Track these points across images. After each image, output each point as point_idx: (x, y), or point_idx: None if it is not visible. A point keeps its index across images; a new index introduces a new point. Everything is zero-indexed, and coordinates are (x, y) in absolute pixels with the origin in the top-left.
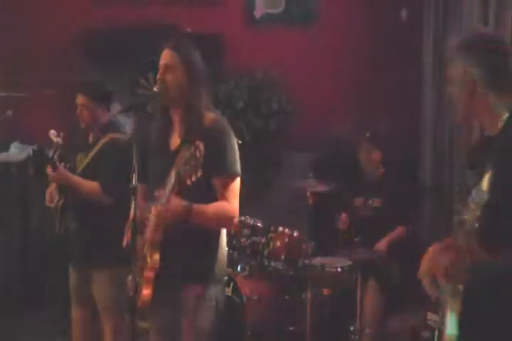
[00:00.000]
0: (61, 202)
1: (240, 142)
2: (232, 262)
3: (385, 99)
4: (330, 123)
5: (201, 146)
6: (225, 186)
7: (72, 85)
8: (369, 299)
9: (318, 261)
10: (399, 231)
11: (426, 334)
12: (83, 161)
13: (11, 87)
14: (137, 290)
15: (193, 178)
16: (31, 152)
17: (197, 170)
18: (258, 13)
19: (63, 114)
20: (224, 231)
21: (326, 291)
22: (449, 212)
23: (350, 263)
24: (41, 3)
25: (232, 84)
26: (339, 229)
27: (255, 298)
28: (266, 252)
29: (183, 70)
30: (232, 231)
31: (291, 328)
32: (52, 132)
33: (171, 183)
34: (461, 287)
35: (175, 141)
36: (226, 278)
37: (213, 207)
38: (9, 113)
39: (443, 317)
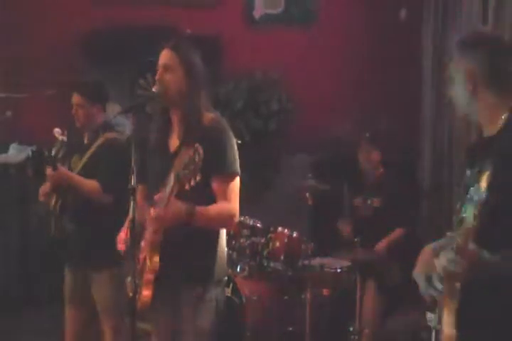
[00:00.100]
0: (59, 202)
1: (239, 142)
2: (231, 262)
3: (384, 99)
4: (329, 123)
5: (200, 150)
6: (225, 186)
7: (68, 85)
8: (368, 299)
9: (317, 261)
10: (398, 231)
11: (425, 334)
12: (79, 163)
13: (10, 88)
14: (137, 292)
15: (192, 182)
16: (30, 153)
17: (196, 174)
18: (257, 13)
19: (62, 115)
20: (224, 232)
21: (325, 292)
22: (449, 211)
23: (349, 263)
24: (41, 4)
25: (232, 85)
26: (343, 237)
27: (255, 298)
28: (265, 253)
29: (182, 71)
30: (231, 232)
31: (291, 329)
32: (57, 130)
33: (170, 186)
34: (458, 285)
35: (174, 141)
36: (226, 278)
37: (215, 208)
38: (8, 114)
39: (439, 317)
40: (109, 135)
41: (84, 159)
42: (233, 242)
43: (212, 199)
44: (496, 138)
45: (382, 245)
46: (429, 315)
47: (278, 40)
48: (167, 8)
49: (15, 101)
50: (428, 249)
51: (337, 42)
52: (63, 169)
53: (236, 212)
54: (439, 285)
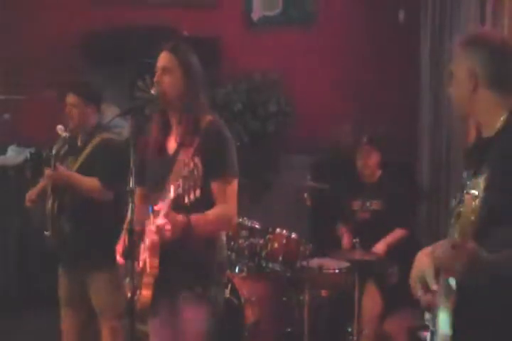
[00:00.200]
0: (56, 203)
1: (238, 144)
2: (230, 263)
3: (383, 101)
4: (328, 125)
5: (199, 164)
6: (224, 188)
7: (64, 85)
8: (367, 300)
9: (316, 262)
10: (397, 232)
11: (423, 334)
12: (75, 163)
13: (9, 89)
14: (136, 293)
15: (192, 196)
16: (28, 155)
17: (196, 189)
18: (256, 15)
19: (61, 117)
20: (223, 233)
21: (323, 293)
22: (447, 213)
23: (348, 264)
24: (40, 5)
25: (230, 87)
26: (341, 242)
27: (253, 299)
28: (264, 253)
29: (180, 73)
30: (229, 233)
31: (289, 329)
32: (60, 127)
33: (170, 198)
34: (453, 284)
35: (172, 144)
36: (225, 279)
37: (212, 215)
38: (6, 116)
39: (435, 317)
40: (105, 135)
41: (81, 159)
42: (232, 243)
43: (210, 202)
44: (495, 138)
45: (380, 245)
46: (428, 316)
47: (276, 42)
48: (165, 10)
49: (13, 103)
50: (424, 252)
51: (335, 43)
52: (62, 168)
53: (234, 214)
54: (434, 287)
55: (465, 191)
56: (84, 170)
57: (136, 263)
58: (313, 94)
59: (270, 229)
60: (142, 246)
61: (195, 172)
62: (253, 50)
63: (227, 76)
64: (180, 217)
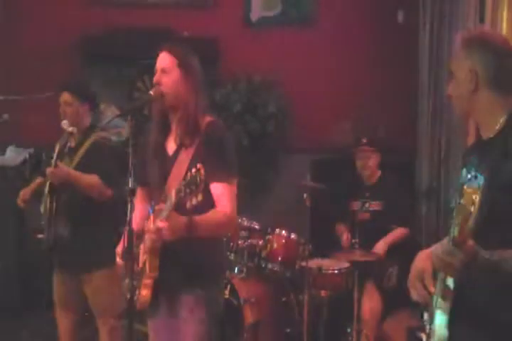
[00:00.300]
0: (53, 204)
1: (237, 144)
2: (229, 264)
3: (382, 101)
4: (327, 125)
5: (202, 170)
6: (224, 189)
7: (59, 84)
8: (366, 301)
9: (315, 262)
10: (396, 233)
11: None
12: (70, 164)
13: (8, 90)
14: (134, 293)
15: (194, 202)
16: (27, 155)
17: (198, 194)
18: (254, 16)
19: (60, 118)
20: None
21: (323, 293)
22: (447, 213)
23: (347, 264)
24: (40, 5)
25: (230, 88)
26: (341, 242)
27: (253, 299)
28: (263, 254)
29: (179, 73)
30: (229, 234)
31: (289, 330)
32: (65, 122)
33: (171, 202)
34: (451, 285)
35: (172, 145)
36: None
37: (213, 216)
38: (5, 116)
39: (431, 317)
40: (101, 134)
41: (77, 159)
42: (231, 244)
43: (210, 203)
44: (494, 139)
45: (380, 245)
46: (426, 316)
47: (275, 43)
48: (164, 10)
49: (12, 104)
50: (424, 253)
51: (334, 44)
52: (63, 165)
53: (235, 215)
54: (432, 289)
55: (465, 186)
56: (81, 168)
57: (135, 263)
58: (312, 94)
59: (269, 230)
60: (142, 246)
61: (198, 178)
62: (252, 51)
63: (226, 76)
64: (182, 219)
